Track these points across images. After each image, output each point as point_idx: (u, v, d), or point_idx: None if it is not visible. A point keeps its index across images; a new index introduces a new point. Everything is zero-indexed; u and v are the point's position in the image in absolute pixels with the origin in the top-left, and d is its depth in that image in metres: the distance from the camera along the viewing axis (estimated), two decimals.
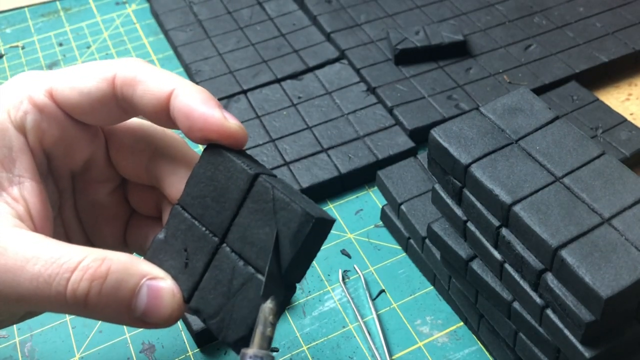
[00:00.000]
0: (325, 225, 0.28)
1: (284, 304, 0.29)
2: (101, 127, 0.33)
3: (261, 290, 0.28)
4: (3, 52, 0.66)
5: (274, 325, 0.27)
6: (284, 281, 0.28)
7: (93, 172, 0.34)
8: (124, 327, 0.42)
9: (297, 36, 0.62)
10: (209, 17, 0.65)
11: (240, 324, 0.28)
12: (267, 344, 0.27)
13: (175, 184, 0.32)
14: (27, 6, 0.71)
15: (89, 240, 0.35)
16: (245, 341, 0.28)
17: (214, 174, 0.30)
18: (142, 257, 0.30)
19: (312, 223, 0.27)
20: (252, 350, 0.26)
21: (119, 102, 0.30)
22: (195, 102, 0.29)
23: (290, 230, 0.27)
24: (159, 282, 0.28)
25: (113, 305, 0.27)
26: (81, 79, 0.30)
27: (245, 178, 0.29)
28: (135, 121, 0.34)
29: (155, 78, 0.30)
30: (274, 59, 0.59)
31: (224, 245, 0.29)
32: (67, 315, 0.43)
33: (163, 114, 0.30)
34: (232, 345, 0.29)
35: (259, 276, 0.28)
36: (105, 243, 0.35)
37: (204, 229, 0.30)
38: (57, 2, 0.72)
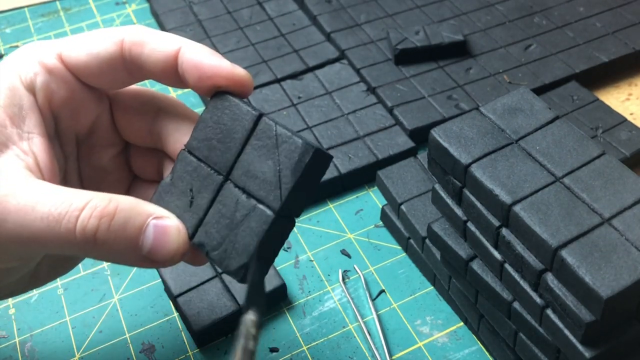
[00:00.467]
0: (324, 158, 0.29)
1: (284, 237, 0.30)
2: (106, 91, 0.35)
3: (263, 219, 0.29)
4: (3, 52, 0.66)
5: (256, 337, 0.26)
6: (284, 212, 0.29)
7: (97, 136, 0.35)
8: (124, 327, 0.42)
9: (297, 36, 0.62)
10: (209, 17, 0.65)
11: (242, 252, 0.29)
12: (250, 358, 0.26)
13: (179, 139, 0.33)
14: (27, 6, 0.71)
15: None
16: (246, 270, 0.29)
17: (220, 117, 0.31)
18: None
19: (312, 152, 0.28)
20: None
21: (126, 64, 0.32)
22: (204, 55, 0.31)
23: (292, 160, 0.28)
24: (165, 221, 0.30)
25: (121, 242, 0.29)
26: (90, 42, 0.32)
27: (249, 118, 0.30)
28: (138, 86, 0.36)
29: (163, 38, 0.32)
30: (274, 59, 0.59)
31: (228, 181, 0.30)
32: (67, 315, 0.43)
33: (171, 71, 0.32)
34: (233, 274, 0.29)
35: (261, 206, 0.29)
36: None
37: (209, 168, 0.31)
38: (57, 2, 0.72)
